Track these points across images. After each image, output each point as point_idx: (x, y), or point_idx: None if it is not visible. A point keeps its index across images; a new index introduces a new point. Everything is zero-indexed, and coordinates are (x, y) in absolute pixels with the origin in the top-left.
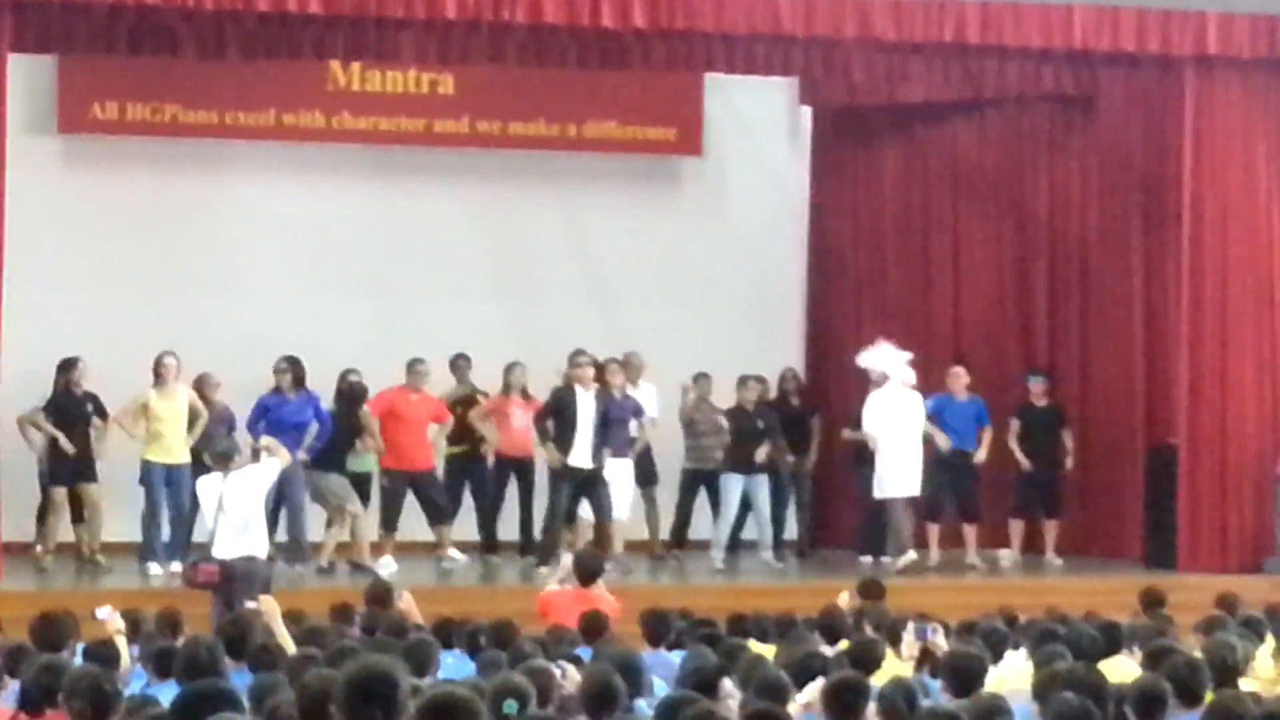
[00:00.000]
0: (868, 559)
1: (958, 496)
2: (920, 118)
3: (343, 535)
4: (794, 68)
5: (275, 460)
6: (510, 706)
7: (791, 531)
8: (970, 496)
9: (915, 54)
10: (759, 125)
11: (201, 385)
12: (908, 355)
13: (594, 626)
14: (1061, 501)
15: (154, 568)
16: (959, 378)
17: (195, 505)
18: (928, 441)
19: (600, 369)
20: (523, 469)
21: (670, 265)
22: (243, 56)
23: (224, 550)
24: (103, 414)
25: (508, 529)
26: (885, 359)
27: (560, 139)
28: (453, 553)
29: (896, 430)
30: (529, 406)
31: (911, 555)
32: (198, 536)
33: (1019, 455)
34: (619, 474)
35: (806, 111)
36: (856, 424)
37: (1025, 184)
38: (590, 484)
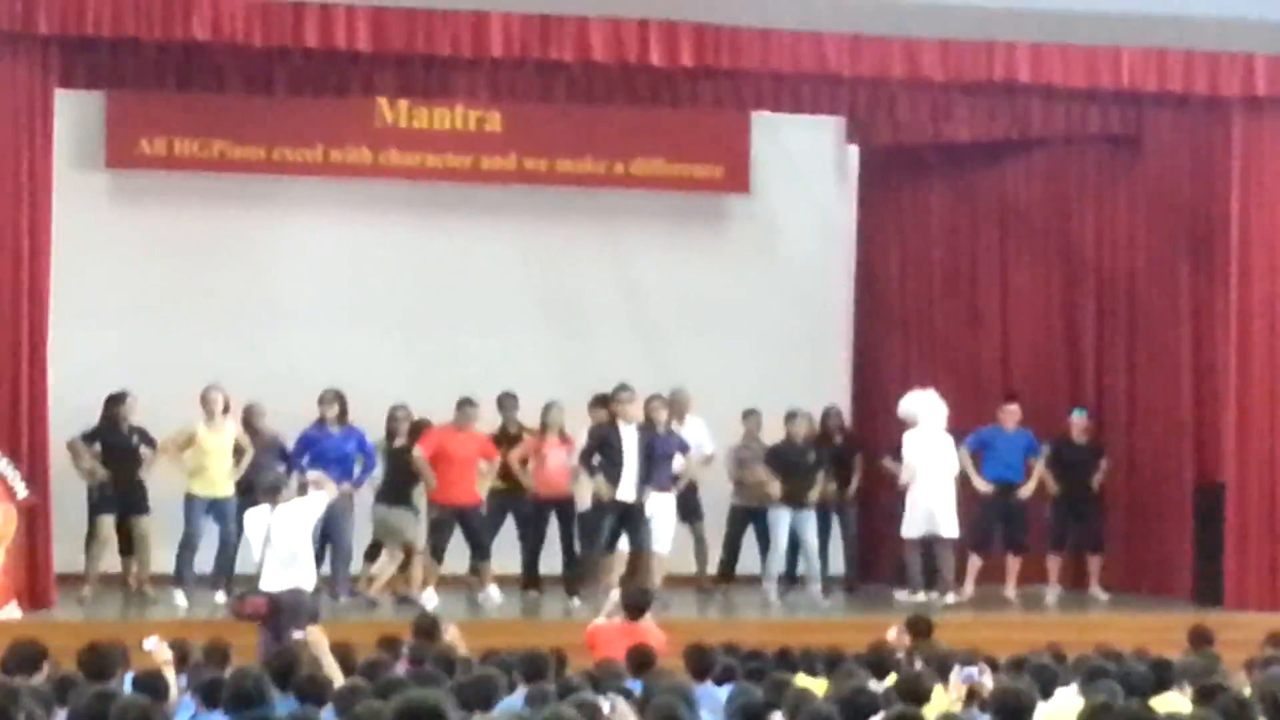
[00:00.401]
0: (912, 595)
1: (1005, 528)
2: (968, 157)
3: (391, 569)
4: (841, 107)
5: (323, 494)
6: None
7: (837, 566)
8: (1017, 528)
9: (962, 94)
10: (806, 163)
11: (249, 415)
12: (941, 404)
13: (642, 659)
14: (1104, 536)
15: (179, 596)
16: (1012, 415)
17: (239, 537)
18: (965, 482)
19: (645, 405)
20: (561, 508)
21: (717, 302)
22: (290, 92)
23: (271, 582)
24: (152, 445)
25: (548, 564)
26: (921, 402)
27: (607, 176)
28: (491, 590)
29: (925, 472)
30: (565, 446)
31: (921, 597)
32: (241, 568)
33: (1049, 481)
34: (661, 509)
35: (854, 150)
36: (896, 454)
37: (1072, 223)
38: (630, 517)
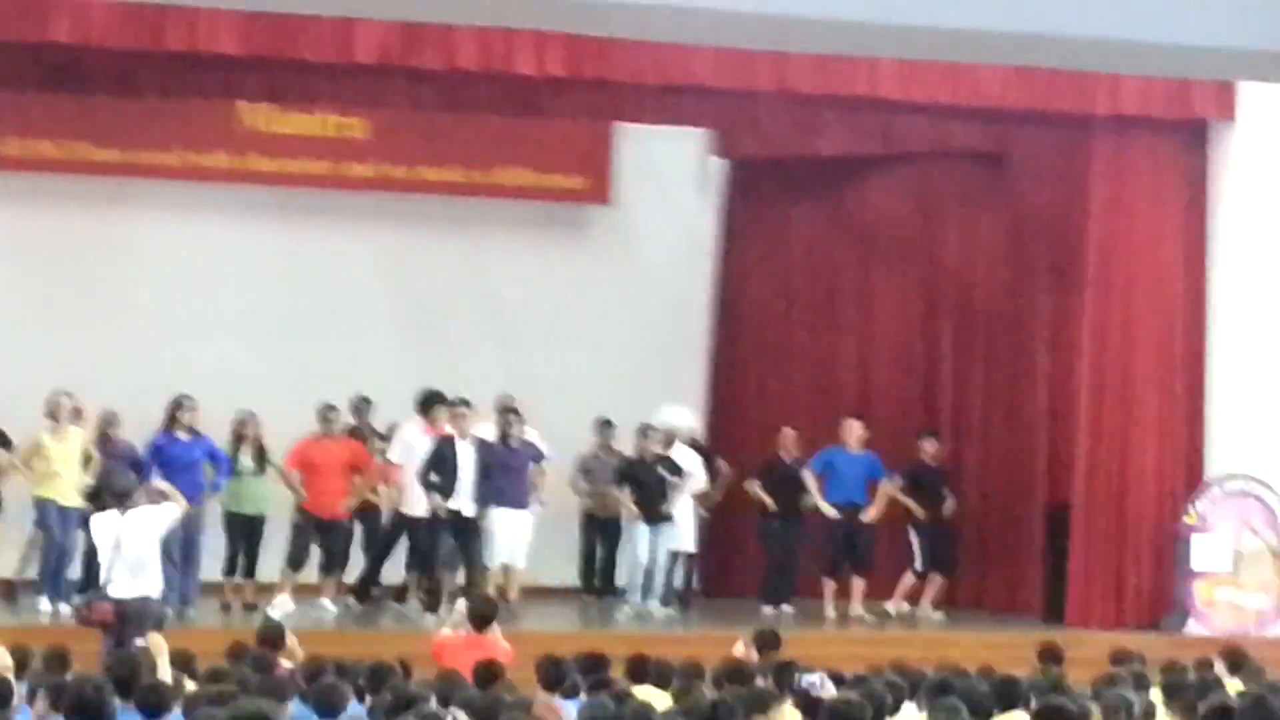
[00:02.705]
0: (769, 609)
1: (850, 551)
2: (833, 172)
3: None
4: (707, 119)
5: (174, 505)
6: None
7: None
8: (863, 550)
9: (829, 108)
10: (669, 175)
11: (104, 424)
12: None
13: (488, 675)
14: (952, 560)
15: (43, 603)
16: (852, 430)
17: (81, 546)
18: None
19: (501, 418)
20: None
21: (576, 312)
22: (152, 95)
23: (120, 590)
24: (7, 444)
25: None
26: (682, 416)
27: (470, 185)
28: (324, 601)
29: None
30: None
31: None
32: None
33: (912, 505)
34: (518, 524)
35: (719, 162)
36: (760, 475)
37: (935, 240)
38: (466, 532)
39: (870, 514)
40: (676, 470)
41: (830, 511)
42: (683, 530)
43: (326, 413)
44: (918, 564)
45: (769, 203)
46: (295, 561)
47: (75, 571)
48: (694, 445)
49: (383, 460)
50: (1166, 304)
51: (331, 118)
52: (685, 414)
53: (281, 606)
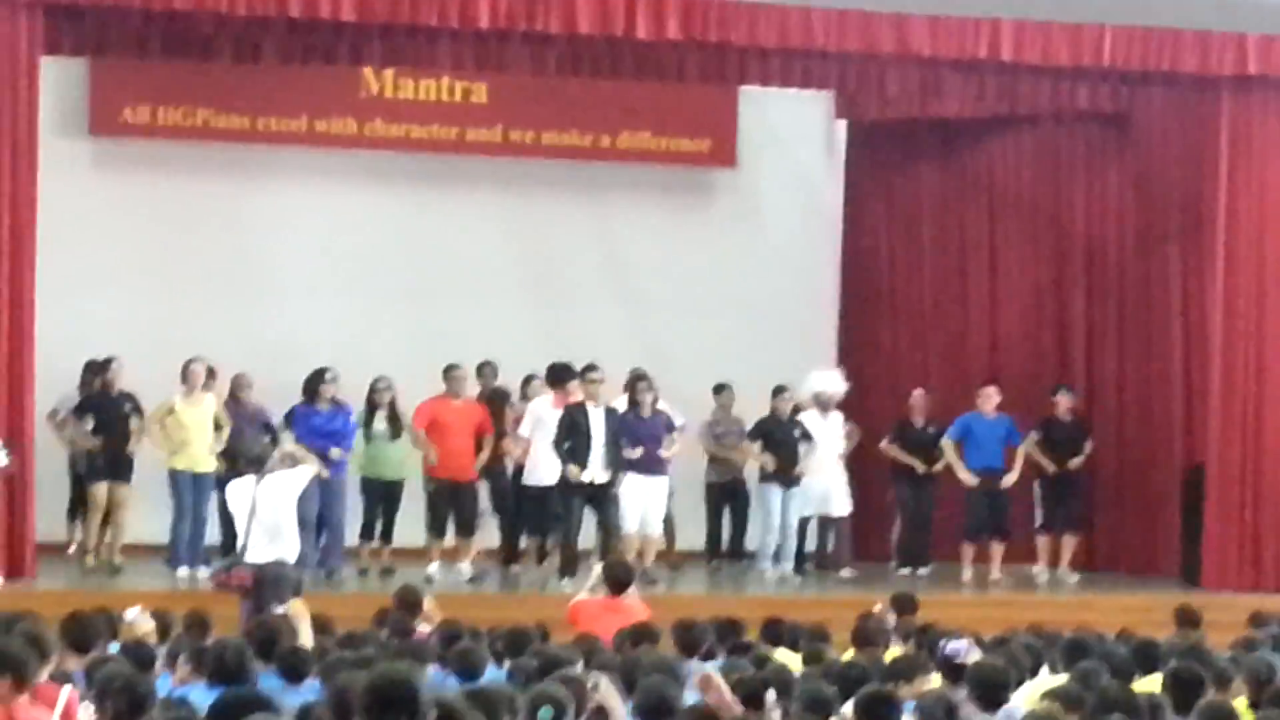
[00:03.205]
0: (904, 571)
1: (990, 516)
2: (956, 133)
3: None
4: (828, 81)
5: (308, 467)
6: (546, 713)
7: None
8: (1000, 516)
9: (950, 69)
10: (793, 138)
11: (235, 387)
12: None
13: (642, 637)
14: (1082, 518)
15: (182, 571)
16: (990, 398)
17: (216, 512)
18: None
19: (631, 387)
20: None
21: (702, 276)
22: (275, 61)
23: (256, 554)
24: (140, 413)
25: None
26: (833, 381)
27: (593, 149)
28: (463, 566)
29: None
30: None
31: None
32: (214, 540)
33: (1044, 462)
34: (652, 491)
35: (841, 125)
36: (895, 438)
37: (1061, 201)
38: (599, 499)
39: (1011, 478)
40: (806, 435)
41: (970, 479)
42: (835, 495)
43: (452, 372)
44: (1038, 520)
45: (893, 165)
46: (437, 529)
47: (212, 536)
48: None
49: (512, 434)
50: None
51: (455, 82)
52: (833, 378)
53: (440, 573)
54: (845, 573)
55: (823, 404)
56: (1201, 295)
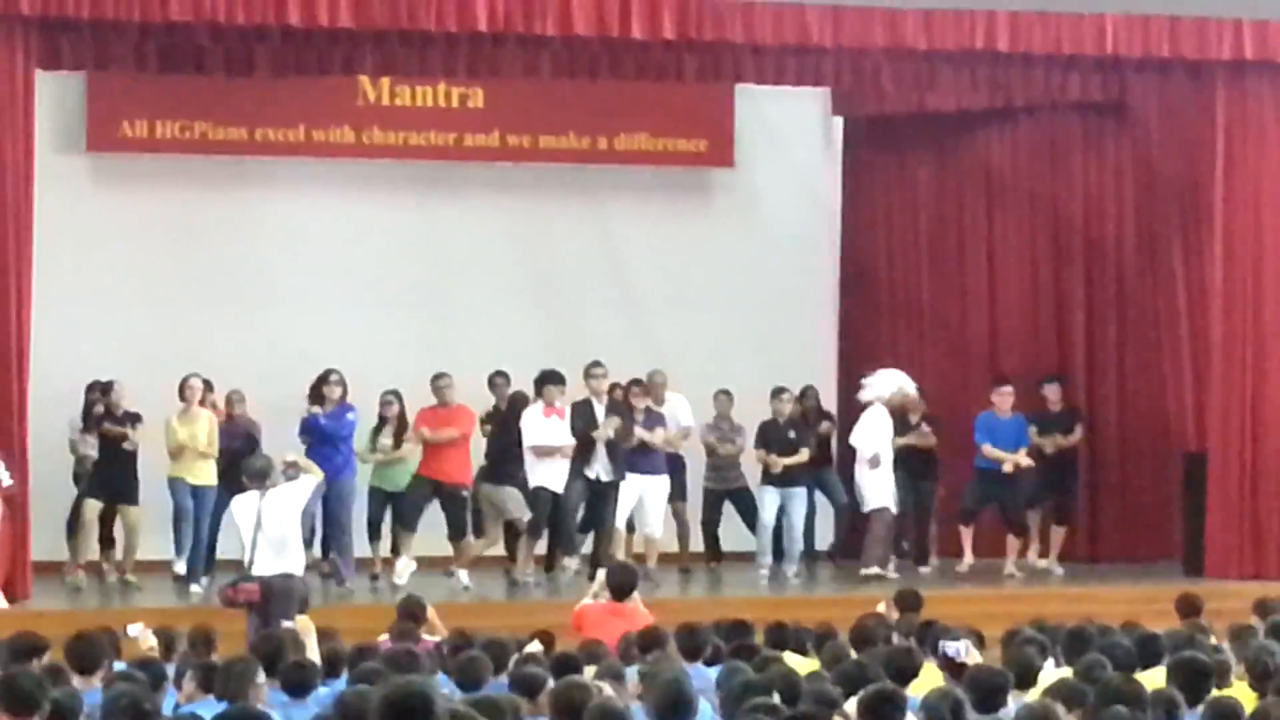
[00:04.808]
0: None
1: (1002, 510)
2: (952, 126)
3: (492, 547)
4: (824, 78)
5: (311, 477)
6: None
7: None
8: (1015, 509)
9: (945, 62)
10: (790, 135)
11: (228, 402)
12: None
13: (650, 642)
14: (1072, 510)
15: (180, 567)
16: (1006, 397)
17: (217, 526)
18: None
19: (625, 391)
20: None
21: (702, 276)
22: (272, 72)
23: (263, 568)
24: (137, 424)
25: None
26: (888, 381)
27: (591, 152)
28: (460, 572)
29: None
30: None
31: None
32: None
33: (1042, 444)
34: (652, 491)
35: (838, 121)
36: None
37: (1058, 191)
38: (600, 497)
39: (1008, 466)
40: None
41: (1024, 460)
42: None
43: (438, 381)
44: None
45: (890, 159)
46: (407, 524)
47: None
48: (817, 407)
49: None
50: None
51: (451, 89)
52: (894, 379)
53: (463, 578)
54: (865, 570)
55: (901, 405)
56: (1200, 282)
